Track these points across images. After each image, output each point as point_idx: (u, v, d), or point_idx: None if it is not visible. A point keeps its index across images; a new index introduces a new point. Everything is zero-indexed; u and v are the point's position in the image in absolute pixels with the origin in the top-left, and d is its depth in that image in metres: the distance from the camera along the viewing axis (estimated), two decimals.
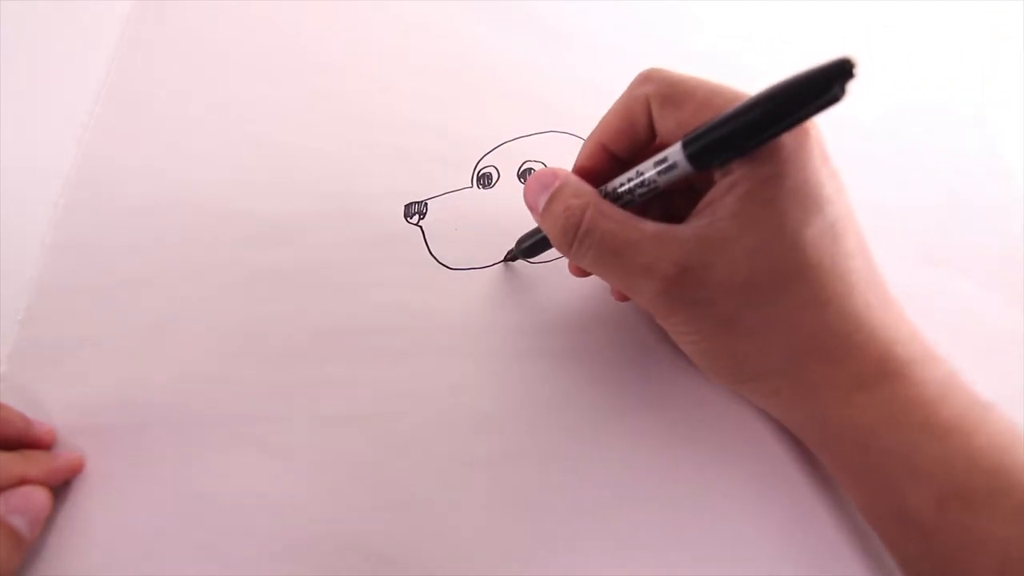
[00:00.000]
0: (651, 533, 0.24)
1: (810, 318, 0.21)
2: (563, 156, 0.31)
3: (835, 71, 0.18)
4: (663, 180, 0.22)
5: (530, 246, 0.28)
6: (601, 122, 0.25)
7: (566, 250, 0.24)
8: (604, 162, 0.25)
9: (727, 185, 0.21)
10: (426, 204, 0.30)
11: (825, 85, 0.18)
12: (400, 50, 0.35)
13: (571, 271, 0.28)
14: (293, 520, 0.24)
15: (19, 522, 0.22)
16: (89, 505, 0.24)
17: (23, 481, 0.23)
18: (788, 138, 0.21)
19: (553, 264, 0.29)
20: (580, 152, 0.26)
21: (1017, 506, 0.19)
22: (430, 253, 0.30)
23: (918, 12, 0.39)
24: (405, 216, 0.30)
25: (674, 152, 0.22)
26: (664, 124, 0.23)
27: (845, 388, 0.22)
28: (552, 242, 0.24)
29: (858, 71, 0.18)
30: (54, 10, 0.36)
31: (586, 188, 0.23)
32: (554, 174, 0.24)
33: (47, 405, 0.26)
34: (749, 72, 0.36)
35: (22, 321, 0.27)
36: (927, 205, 0.32)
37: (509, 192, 0.31)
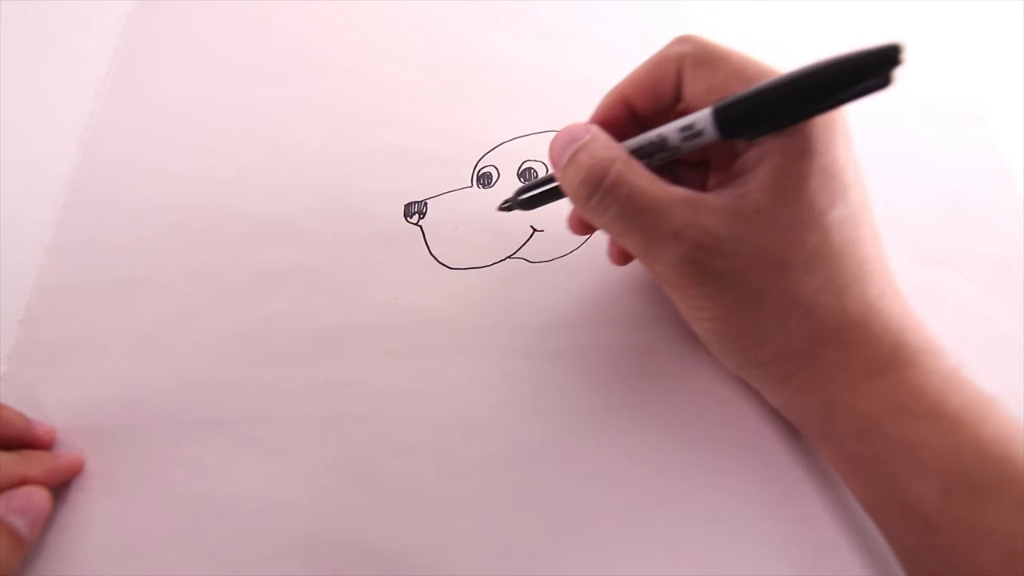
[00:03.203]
0: (651, 532, 0.24)
1: (831, 302, 0.21)
2: None
3: (884, 56, 0.18)
4: (686, 146, 0.22)
5: (532, 197, 0.26)
6: (628, 77, 0.24)
7: (585, 202, 0.23)
8: (623, 116, 0.24)
9: (757, 157, 0.21)
10: (426, 204, 0.30)
11: (873, 69, 0.18)
12: (400, 50, 0.35)
13: (610, 257, 0.27)
14: (293, 520, 0.24)
15: (19, 522, 0.22)
16: (89, 505, 0.24)
17: (23, 481, 0.23)
18: (819, 118, 0.20)
19: (553, 264, 0.29)
20: (600, 103, 0.25)
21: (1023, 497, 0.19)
22: (430, 253, 0.30)
23: (918, 12, 0.39)
24: (405, 216, 0.30)
25: (702, 118, 0.21)
26: (694, 87, 0.22)
27: (858, 375, 0.22)
28: (570, 194, 0.23)
29: (904, 58, 0.17)
30: (54, 10, 0.36)
31: (617, 145, 0.23)
32: (585, 128, 0.23)
33: (47, 405, 0.26)
34: None
35: (22, 321, 0.27)
36: (927, 205, 0.32)
37: (509, 192, 0.31)
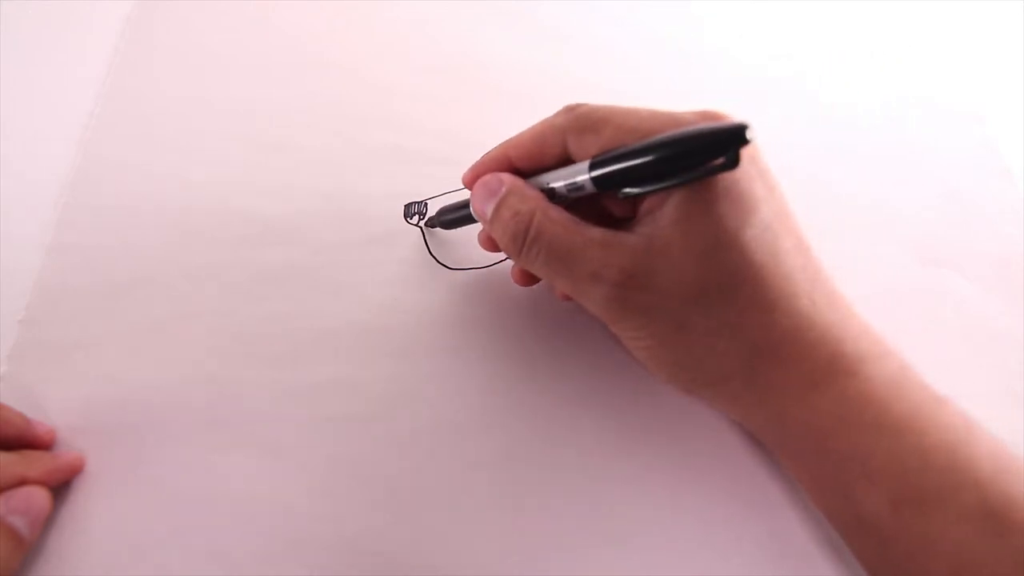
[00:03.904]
0: (650, 533, 0.24)
1: (759, 319, 0.21)
2: None
3: (730, 136, 0.19)
4: (574, 196, 0.23)
5: (451, 220, 0.28)
6: (511, 140, 0.25)
7: (516, 256, 0.24)
8: (505, 170, 0.25)
9: (663, 193, 0.21)
10: (426, 204, 0.30)
11: (720, 148, 0.19)
12: (400, 50, 0.35)
13: (514, 278, 0.28)
14: (293, 520, 0.24)
15: (19, 522, 0.22)
16: (89, 505, 0.24)
17: (23, 481, 0.23)
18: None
19: None
20: (482, 160, 0.26)
21: (968, 505, 0.19)
22: (430, 253, 0.30)
23: (919, 11, 0.39)
24: (405, 216, 0.30)
25: (582, 176, 0.22)
26: (584, 152, 0.23)
27: (798, 388, 0.22)
28: (503, 249, 0.24)
29: (752, 136, 0.18)
30: (54, 10, 0.36)
31: (533, 192, 0.24)
32: (499, 180, 0.24)
33: (47, 405, 0.26)
34: (750, 72, 0.36)
35: (22, 321, 0.27)
36: (927, 205, 0.32)
37: None
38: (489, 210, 0.24)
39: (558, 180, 0.23)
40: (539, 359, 0.28)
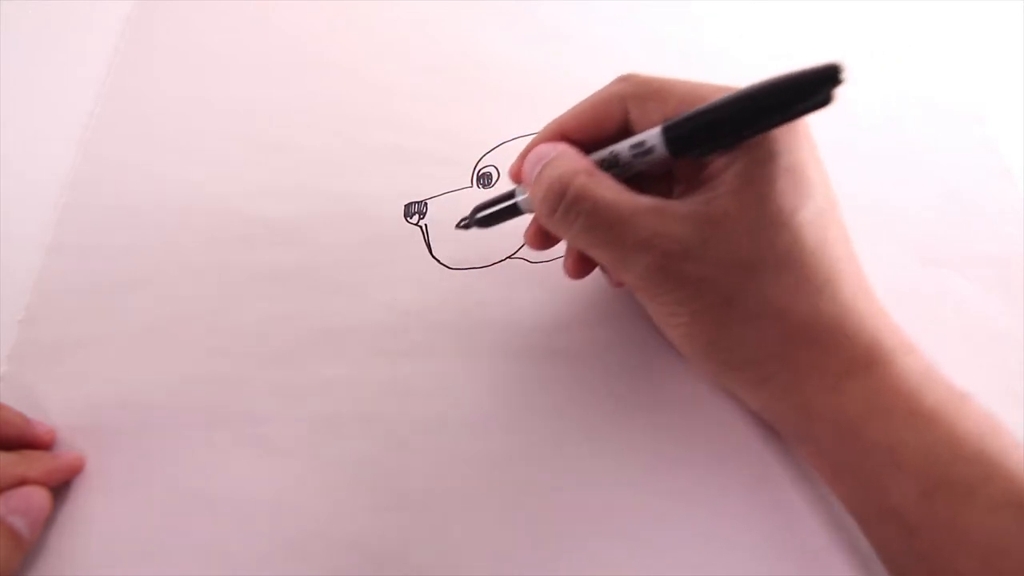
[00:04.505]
0: (650, 533, 0.24)
1: (805, 303, 0.21)
2: None
3: (825, 76, 0.18)
4: (639, 163, 0.22)
5: (489, 215, 0.26)
6: (567, 113, 0.24)
7: (550, 216, 0.23)
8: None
9: (724, 162, 0.21)
10: (426, 204, 0.30)
11: (814, 88, 0.19)
12: (400, 50, 0.35)
13: (567, 270, 0.27)
14: (293, 520, 0.24)
15: (19, 522, 0.22)
16: (89, 505, 0.24)
17: (23, 481, 0.23)
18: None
19: (553, 264, 0.29)
20: (535, 138, 0.25)
21: (1000, 495, 0.19)
22: (430, 253, 0.30)
23: (919, 11, 0.39)
24: (405, 216, 0.30)
25: (652, 136, 0.21)
26: (646, 120, 0.23)
27: (833, 376, 0.22)
28: (537, 210, 0.23)
29: (846, 76, 0.18)
30: (54, 10, 0.36)
31: (582, 158, 0.23)
32: (552, 146, 0.23)
33: (47, 405, 0.26)
34: (750, 72, 0.36)
35: (22, 321, 0.27)
36: (927, 205, 0.32)
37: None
38: (534, 174, 0.23)
39: (621, 148, 0.22)
40: (539, 358, 0.28)
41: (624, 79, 0.23)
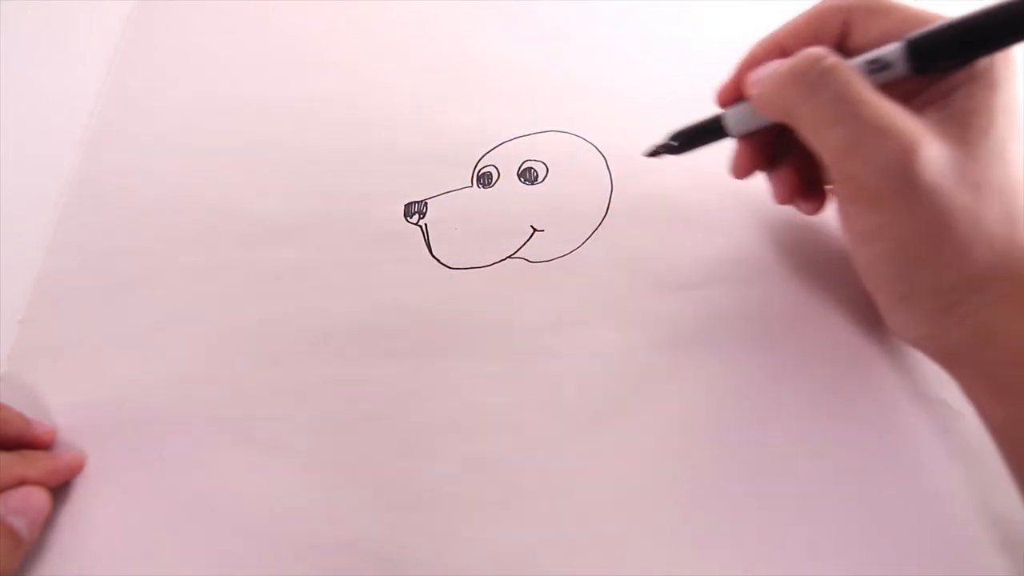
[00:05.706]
0: (649, 534, 0.24)
1: (1006, 232, 0.21)
2: (563, 156, 0.31)
3: None
4: (871, 81, 0.22)
5: (693, 135, 0.26)
6: (784, 26, 0.24)
7: (792, 82, 0.22)
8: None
9: (946, 88, 0.21)
10: (426, 204, 0.30)
11: None
12: (400, 50, 0.35)
13: (734, 169, 0.26)
14: (293, 520, 0.24)
15: (19, 522, 0.22)
16: (89, 505, 0.24)
17: (23, 481, 0.23)
18: (998, 57, 0.21)
19: (553, 264, 0.29)
20: (751, 49, 0.25)
21: None
22: (430, 253, 0.30)
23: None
24: (405, 216, 0.30)
25: (891, 51, 0.21)
26: (866, 36, 0.22)
27: (1022, 305, 0.21)
28: (777, 84, 0.23)
29: None
30: (54, 10, 0.36)
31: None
32: (780, 61, 0.23)
33: (47, 405, 0.26)
34: None
35: (22, 321, 0.27)
36: None
37: (509, 191, 0.31)
38: (772, 67, 0.23)
39: (856, 63, 0.22)
40: (539, 358, 0.28)
41: None
